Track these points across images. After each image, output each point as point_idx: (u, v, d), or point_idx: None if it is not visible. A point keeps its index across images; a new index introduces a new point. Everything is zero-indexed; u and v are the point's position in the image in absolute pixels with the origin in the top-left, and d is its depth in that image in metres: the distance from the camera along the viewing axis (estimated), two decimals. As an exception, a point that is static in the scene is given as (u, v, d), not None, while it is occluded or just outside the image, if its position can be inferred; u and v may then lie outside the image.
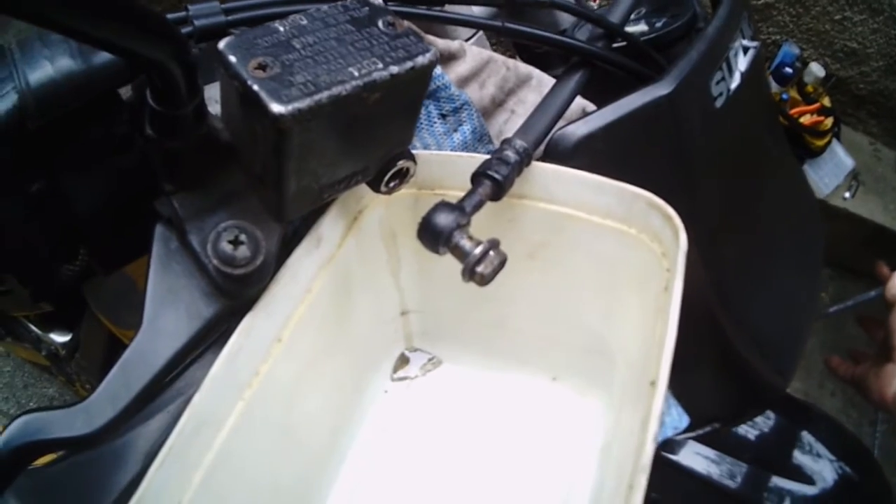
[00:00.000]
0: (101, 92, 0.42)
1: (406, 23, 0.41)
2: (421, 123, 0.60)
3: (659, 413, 0.39)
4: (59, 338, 1.31)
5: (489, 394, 0.63)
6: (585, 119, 0.54)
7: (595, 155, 0.54)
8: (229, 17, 0.49)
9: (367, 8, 0.42)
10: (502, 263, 0.44)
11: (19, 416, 0.39)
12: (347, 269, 0.54)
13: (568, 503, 0.56)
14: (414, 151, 0.49)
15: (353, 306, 0.57)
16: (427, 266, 0.60)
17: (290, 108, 0.35)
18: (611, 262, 0.54)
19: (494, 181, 0.48)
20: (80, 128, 0.44)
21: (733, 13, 0.66)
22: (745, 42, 0.69)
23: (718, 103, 0.63)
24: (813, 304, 0.85)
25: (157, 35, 0.34)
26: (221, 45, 0.37)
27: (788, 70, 2.02)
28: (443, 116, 0.60)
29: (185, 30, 0.48)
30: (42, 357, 1.46)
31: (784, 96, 2.00)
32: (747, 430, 0.99)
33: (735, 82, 0.66)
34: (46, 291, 0.51)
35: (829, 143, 2.04)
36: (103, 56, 0.41)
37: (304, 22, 0.40)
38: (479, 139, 0.61)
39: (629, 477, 0.39)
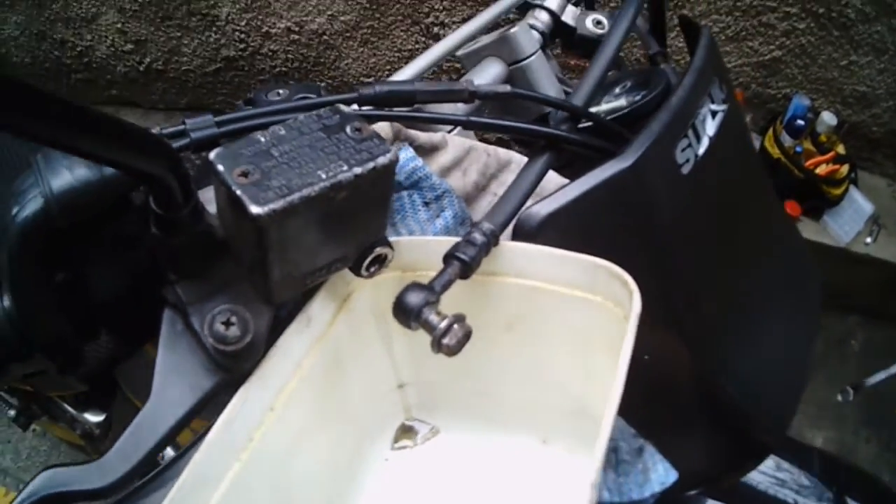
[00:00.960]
0: (114, 197, 0.49)
1: (371, 127, 0.48)
2: (406, 211, 0.65)
3: (604, 445, 0.44)
4: (94, 417, 1.38)
5: (484, 459, 0.67)
6: (550, 198, 0.59)
7: (561, 231, 0.59)
8: (221, 129, 0.56)
9: (338, 116, 0.48)
10: (467, 335, 0.49)
11: (43, 469, 0.47)
12: (339, 346, 0.59)
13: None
14: (396, 238, 0.56)
15: (347, 380, 0.62)
16: (417, 341, 0.64)
17: (265, 209, 0.42)
18: (582, 328, 0.58)
19: (462, 261, 0.53)
20: (98, 227, 0.50)
21: (700, 81, 0.70)
22: (714, 106, 0.73)
23: (685, 170, 0.67)
24: (807, 354, 0.87)
25: (153, 153, 0.41)
26: (212, 155, 0.44)
27: (800, 122, 2.05)
28: (426, 204, 0.65)
29: (182, 142, 0.55)
30: (76, 436, 1.51)
31: (798, 149, 2.03)
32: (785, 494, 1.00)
33: (703, 147, 0.69)
34: (72, 367, 0.57)
35: (846, 190, 2.06)
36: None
37: (283, 132, 0.47)
38: (461, 223, 0.66)
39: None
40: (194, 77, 2.64)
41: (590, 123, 0.67)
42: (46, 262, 0.50)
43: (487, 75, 0.85)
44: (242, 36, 2.43)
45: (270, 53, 2.47)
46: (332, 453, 0.62)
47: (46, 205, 0.46)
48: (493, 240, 0.55)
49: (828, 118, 2.06)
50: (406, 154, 0.64)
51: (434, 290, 0.51)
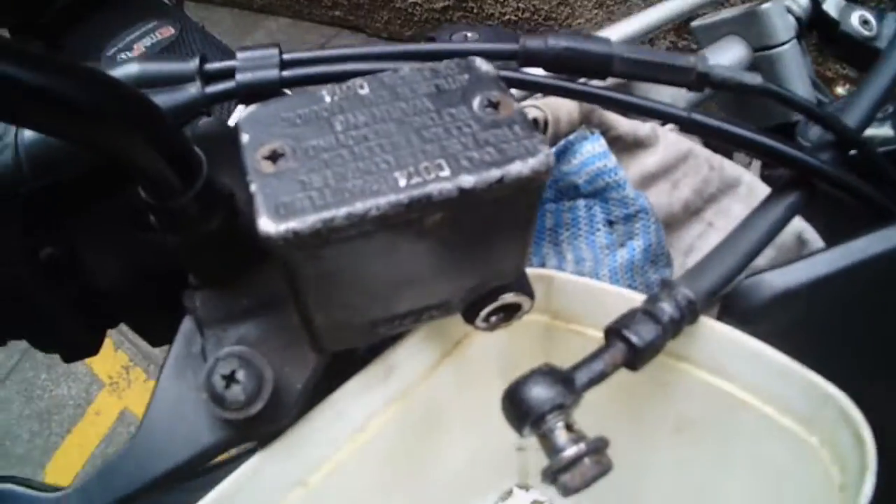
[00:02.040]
0: (102, 162, 0.36)
1: (517, 105, 0.28)
2: (579, 227, 0.47)
3: None
4: None
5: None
6: (793, 266, 0.39)
7: (790, 320, 0.39)
8: (285, 73, 0.38)
9: (466, 76, 0.30)
10: (602, 475, 0.32)
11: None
12: (437, 405, 0.43)
13: None
14: (549, 271, 0.39)
15: (443, 445, 0.46)
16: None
17: (281, 228, 0.25)
18: (775, 467, 0.39)
19: (630, 345, 0.34)
20: (93, 197, 0.38)
21: None
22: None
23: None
24: None
25: (116, 114, 0.26)
26: (241, 117, 0.28)
27: None
28: (610, 224, 0.47)
29: (221, 86, 0.38)
30: None
31: None
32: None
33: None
34: (79, 352, 0.46)
35: None
36: None
37: (364, 91, 0.29)
38: (654, 261, 0.48)
39: None
40: (421, 11, 2.48)
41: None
42: (28, 233, 0.39)
43: (726, 56, 0.67)
44: (477, -25, 2.27)
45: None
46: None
47: (16, 160, 0.35)
48: (689, 316, 0.36)
49: None
50: (595, 146, 0.46)
51: (574, 387, 0.33)
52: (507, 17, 2.33)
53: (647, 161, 0.50)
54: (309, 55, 0.38)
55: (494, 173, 0.26)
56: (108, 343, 1.92)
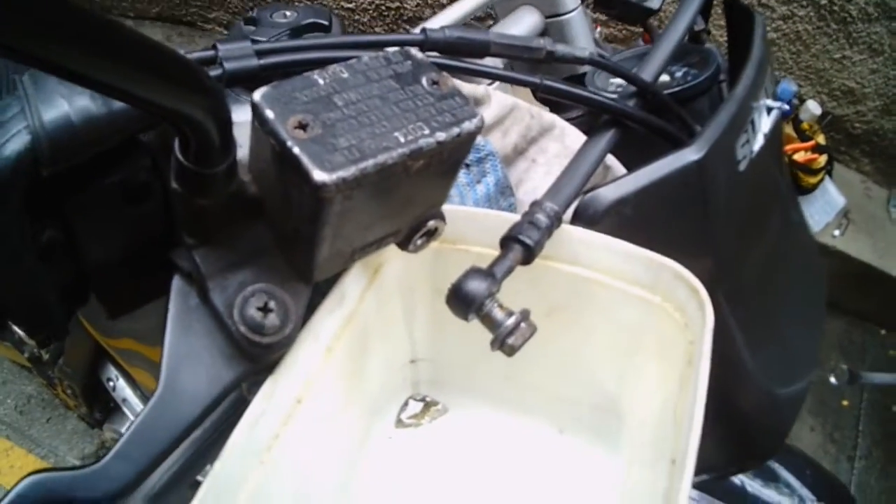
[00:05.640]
0: (121, 138, 0.39)
1: (451, 81, 0.40)
2: None
3: (686, 495, 0.39)
4: None
5: (495, 442, 0.62)
6: (616, 183, 0.54)
7: (623, 220, 0.54)
8: (262, 61, 0.47)
9: (409, 62, 0.40)
10: (532, 334, 0.44)
11: (28, 475, 0.37)
12: (365, 324, 0.53)
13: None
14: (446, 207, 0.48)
15: (368, 359, 0.56)
16: (441, 318, 0.59)
17: (334, 176, 0.34)
18: (631, 328, 0.53)
19: (525, 246, 0.47)
20: (96, 173, 0.41)
21: (760, 72, 0.66)
22: (769, 102, 0.69)
23: (742, 167, 0.62)
24: (814, 359, 0.85)
25: (191, 87, 0.31)
26: (257, 96, 0.36)
27: (785, 107, 2.02)
28: (466, 167, 0.59)
29: (214, 72, 0.45)
30: (23, 358, 1.44)
31: (780, 132, 2.02)
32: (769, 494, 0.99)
33: (758, 144, 0.65)
34: (55, 336, 0.47)
35: (821, 180, 2.06)
36: None
37: (346, 75, 0.38)
38: (502, 192, 0.61)
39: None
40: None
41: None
42: (30, 216, 0.38)
43: (522, 26, 0.80)
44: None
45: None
46: (346, 439, 0.57)
47: (35, 143, 0.36)
48: (556, 222, 0.49)
49: (812, 107, 2.05)
50: None
51: (496, 279, 0.45)
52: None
53: (484, 115, 0.62)
54: (276, 46, 0.47)
55: (455, 130, 0.37)
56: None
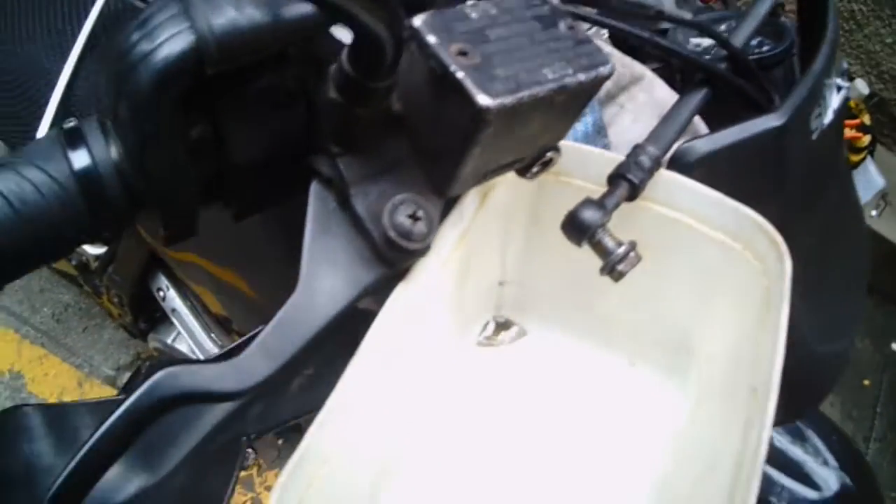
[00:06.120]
0: (282, 45, 0.41)
1: (584, 27, 0.44)
2: None
3: (770, 422, 0.44)
4: (94, 250, 1.31)
5: (568, 368, 0.68)
6: (710, 137, 0.59)
7: (711, 172, 0.58)
8: None
9: (546, 6, 0.44)
10: (638, 263, 0.49)
11: (162, 366, 0.38)
12: (473, 243, 0.58)
13: (633, 486, 0.62)
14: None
15: (468, 277, 0.61)
16: (533, 242, 0.65)
17: (497, 102, 0.38)
18: (710, 270, 0.58)
19: (632, 184, 0.53)
20: (249, 78, 0.42)
21: (833, 50, 0.70)
22: (839, 81, 0.74)
23: (814, 136, 0.68)
24: (856, 322, 0.90)
25: (379, 2, 0.34)
26: (418, 22, 0.39)
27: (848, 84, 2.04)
28: None
29: None
30: (70, 265, 1.45)
31: (827, 108, 2.03)
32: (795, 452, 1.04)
33: (828, 118, 0.70)
34: (183, 234, 0.48)
35: (863, 159, 2.07)
36: (292, 10, 0.39)
37: (494, 12, 0.42)
38: (598, 131, 0.66)
39: (731, 482, 0.45)
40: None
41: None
42: (185, 112, 0.40)
43: None
44: None
45: None
46: (436, 353, 0.62)
47: (200, 44, 0.36)
48: (656, 166, 0.55)
49: (860, 86, 2.05)
50: None
51: (607, 209, 0.51)
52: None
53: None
54: None
55: (593, 73, 0.42)
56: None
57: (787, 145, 0.63)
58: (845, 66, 1.94)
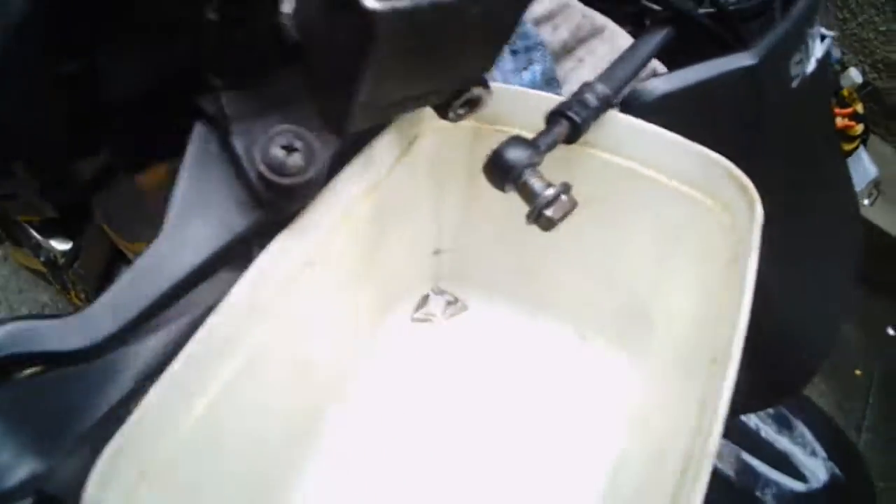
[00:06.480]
0: None
1: None
2: None
3: (729, 395, 0.37)
4: (60, 245, 1.29)
5: (512, 344, 0.61)
6: (667, 76, 0.52)
7: (671, 115, 0.51)
8: None
9: None
10: (573, 209, 0.41)
11: (5, 322, 0.33)
12: (390, 199, 0.50)
13: (586, 466, 0.54)
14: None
15: (388, 239, 0.53)
16: (472, 204, 0.57)
17: (384, 4, 0.31)
18: (674, 227, 0.51)
19: (572, 122, 0.45)
20: (130, 5, 0.37)
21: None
22: (823, 30, 0.68)
23: (794, 84, 0.61)
24: (847, 305, 0.83)
25: None
26: None
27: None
28: (513, 53, 0.56)
29: None
30: (39, 263, 1.44)
31: (819, 96, 1.99)
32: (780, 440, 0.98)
33: (811, 67, 0.64)
34: (57, 188, 0.45)
35: (856, 148, 2.02)
36: None
37: None
38: (548, 82, 0.58)
39: (684, 461, 0.38)
40: None
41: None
42: (52, 47, 0.36)
43: None
44: None
45: None
46: (356, 318, 0.55)
47: None
48: (604, 106, 0.47)
49: (854, 74, 2.00)
50: None
51: (539, 150, 0.43)
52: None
53: (536, 8, 0.60)
54: None
55: None
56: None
57: (763, 89, 0.56)
58: (836, 53, 1.89)
